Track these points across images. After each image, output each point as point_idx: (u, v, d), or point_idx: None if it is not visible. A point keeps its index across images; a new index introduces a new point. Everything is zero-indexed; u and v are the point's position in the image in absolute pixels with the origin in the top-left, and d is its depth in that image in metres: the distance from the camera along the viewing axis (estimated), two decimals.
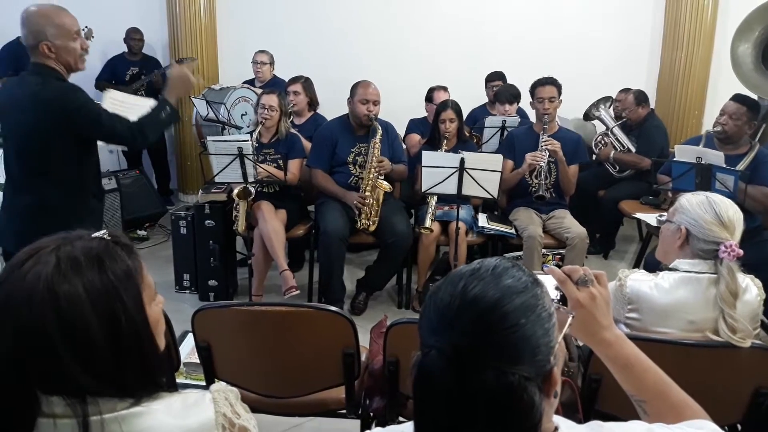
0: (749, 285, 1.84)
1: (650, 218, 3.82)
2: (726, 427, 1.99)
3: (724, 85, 5.37)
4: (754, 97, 3.63)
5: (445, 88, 4.68)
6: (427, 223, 3.67)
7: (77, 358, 0.89)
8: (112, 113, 2.47)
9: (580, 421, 0.92)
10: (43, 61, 2.36)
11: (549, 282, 1.06)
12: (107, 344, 0.91)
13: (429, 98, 4.67)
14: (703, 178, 3.23)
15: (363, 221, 3.69)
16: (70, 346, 0.89)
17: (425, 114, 4.70)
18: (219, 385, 1.04)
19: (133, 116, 2.52)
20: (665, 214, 2.00)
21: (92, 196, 2.56)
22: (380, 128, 3.78)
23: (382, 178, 3.75)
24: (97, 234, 0.98)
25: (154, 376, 0.97)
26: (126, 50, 5.74)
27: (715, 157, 3.26)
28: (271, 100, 3.84)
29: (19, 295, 0.89)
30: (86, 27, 5.38)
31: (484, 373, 0.76)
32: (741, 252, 1.75)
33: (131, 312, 0.94)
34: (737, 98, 3.47)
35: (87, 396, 0.90)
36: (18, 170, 2.45)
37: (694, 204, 1.83)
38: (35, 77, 2.37)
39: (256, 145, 3.51)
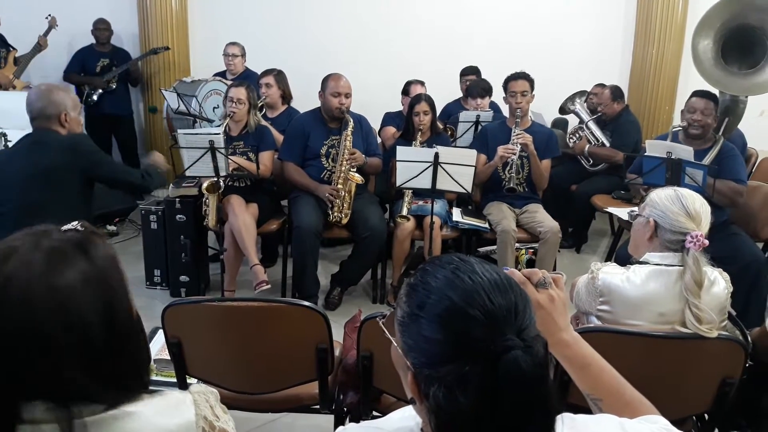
0: (717, 278, 1.87)
1: (622, 212, 3.86)
2: (694, 417, 2.02)
3: (694, 80, 5.44)
4: (715, 92, 3.71)
5: (422, 83, 4.68)
6: (404, 211, 3.67)
7: (77, 353, 0.86)
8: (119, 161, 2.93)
9: None
10: (54, 128, 2.66)
11: None
12: (105, 334, 0.88)
13: (405, 91, 4.67)
14: (673, 172, 3.28)
15: (335, 214, 3.67)
16: (72, 343, 0.85)
17: (401, 108, 4.69)
18: (199, 387, 1.02)
19: None
20: (636, 209, 2.04)
21: None
22: (352, 121, 3.76)
23: (355, 170, 3.74)
24: (68, 226, 0.95)
25: (143, 371, 0.95)
26: (94, 42, 5.61)
27: (685, 152, 3.31)
28: (239, 92, 3.78)
29: (10, 299, 0.85)
30: (49, 15, 5.27)
31: (537, 343, 0.78)
32: (707, 242, 1.78)
33: (121, 298, 0.92)
34: (702, 94, 3.50)
35: (71, 399, 0.87)
36: (12, 212, 2.58)
37: (662, 197, 1.88)
38: (47, 132, 2.66)
39: (225, 137, 3.47)
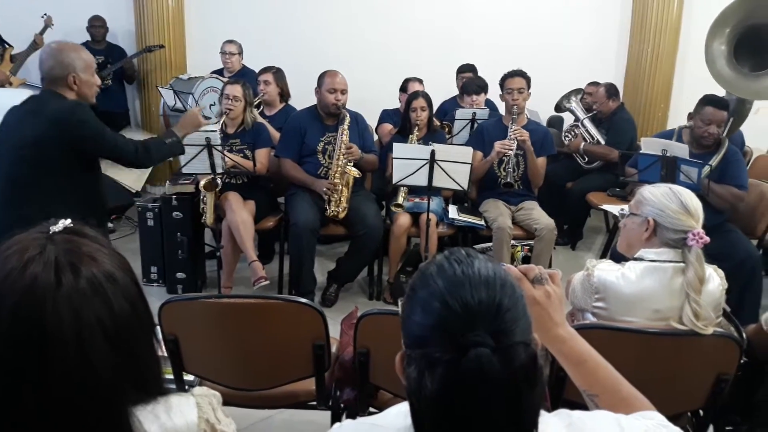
0: (712, 275, 1.87)
1: (617, 210, 3.88)
2: (689, 413, 2.04)
3: (689, 78, 5.50)
4: (722, 93, 3.69)
5: (420, 80, 4.68)
6: (399, 200, 3.68)
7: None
8: (116, 133, 2.63)
9: (548, 410, 0.93)
10: (61, 91, 2.47)
11: None
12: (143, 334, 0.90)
13: (404, 88, 4.68)
14: (668, 170, 3.30)
15: (332, 208, 3.68)
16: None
17: (398, 105, 4.70)
18: (202, 390, 1.03)
19: None
20: (626, 207, 2.03)
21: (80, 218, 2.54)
22: (348, 116, 3.77)
23: (351, 164, 3.74)
24: (55, 228, 0.89)
25: (160, 373, 0.96)
26: (89, 39, 5.59)
27: (680, 149, 3.33)
28: (235, 90, 3.78)
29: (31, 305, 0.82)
30: (45, 14, 5.25)
31: (517, 349, 0.77)
32: (708, 239, 1.79)
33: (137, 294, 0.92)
34: (717, 104, 3.39)
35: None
36: (4, 184, 2.48)
37: (658, 195, 1.86)
38: (49, 97, 2.48)
39: (222, 135, 3.46)
